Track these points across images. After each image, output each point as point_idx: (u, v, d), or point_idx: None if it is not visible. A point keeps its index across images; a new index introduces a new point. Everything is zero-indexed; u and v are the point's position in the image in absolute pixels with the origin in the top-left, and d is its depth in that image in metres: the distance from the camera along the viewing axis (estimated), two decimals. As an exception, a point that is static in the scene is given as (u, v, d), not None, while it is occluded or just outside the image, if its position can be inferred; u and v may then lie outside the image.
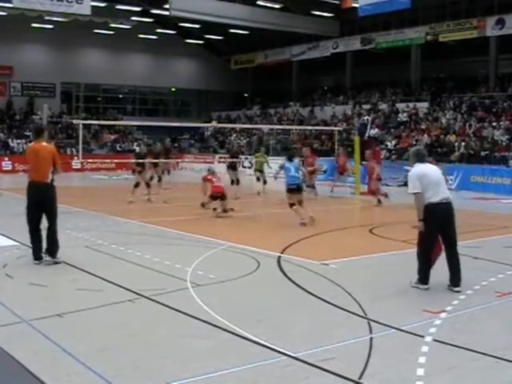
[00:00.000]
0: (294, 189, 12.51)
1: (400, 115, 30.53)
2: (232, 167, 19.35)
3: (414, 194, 7.10)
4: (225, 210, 13.71)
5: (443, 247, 7.27)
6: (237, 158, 20.45)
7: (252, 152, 28.38)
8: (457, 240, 7.24)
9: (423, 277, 7.12)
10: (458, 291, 6.95)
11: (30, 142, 31.99)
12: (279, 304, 6.52)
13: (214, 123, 24.09)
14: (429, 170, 7.26)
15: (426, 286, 7.10)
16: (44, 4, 27.51)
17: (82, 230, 11.16)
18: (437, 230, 7.10)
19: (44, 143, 8.51)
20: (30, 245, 8.42)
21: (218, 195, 13.65)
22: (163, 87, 42.75)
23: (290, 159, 13.06)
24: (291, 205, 12.55)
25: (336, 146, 23.17)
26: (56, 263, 8.19)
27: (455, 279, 7.07)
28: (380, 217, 13.98)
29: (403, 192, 19.00)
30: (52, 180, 8.34)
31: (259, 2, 31.82)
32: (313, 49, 36.55)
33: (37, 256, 8.31)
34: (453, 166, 22.76)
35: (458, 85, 31.31)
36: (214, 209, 13.67)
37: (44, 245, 8.35)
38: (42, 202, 8.28)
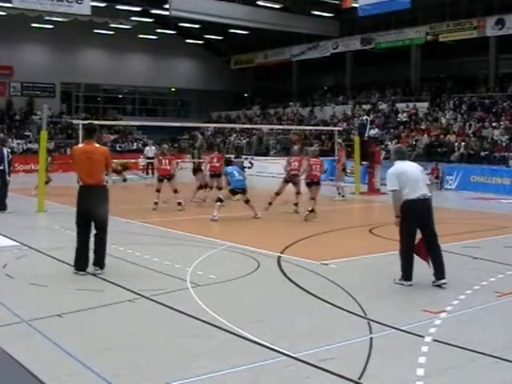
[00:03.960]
0: (238, 191, 13.25)
1: (400, 115, 30.53)
2: (198, 170, 16.97)
3: (392, 191, 7.22)
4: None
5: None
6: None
7: (252, 152, 28.37)
8: (436, 233, 7.27)
9: (406, 274, 7.19)
10: (443, 283, 6.99)
11: (29, 142, 32.26)
12: (279, 304, 6.52)
13: None
14: (408, 167, 7.35)
15: (409, 283, 7.16)
16: (44, 4, 27.48)
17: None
18: (415, 226, 7.18)
19: (96, 144, 7.99)
20: (75, 253, 7.71)
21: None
22: (163, 87, 42.73)
23: (229, 164, 14.05)
24: (219, 199, 13.07)
25: (336, 146, 23.10)
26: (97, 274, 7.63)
27: (439, 272, 7.11)
28: (380, 217, 13.97)
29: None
30: (107, 182, 7.98)
31: (259, 2, 31.81)
32: (313, 49, 36.54)
33: (79, 266, 7.64)
34: (453, 166, 22.78)
35: (458, 85, 31.31)
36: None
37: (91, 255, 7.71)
38: (94, 207, 7.68)
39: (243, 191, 13.34)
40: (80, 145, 8.08)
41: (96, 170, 7.78)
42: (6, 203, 13.80)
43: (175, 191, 14.92)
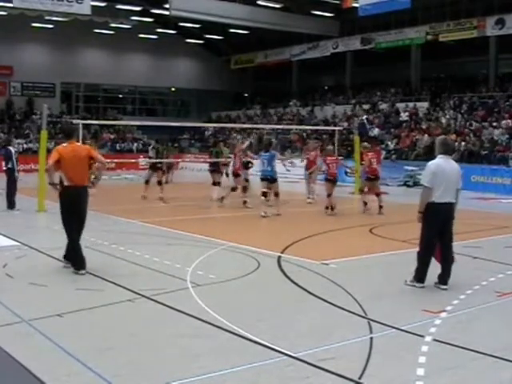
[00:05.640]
0: (264, 179, 13.70)
1: (401, 114, 30.52)
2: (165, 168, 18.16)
3: (424, 186, 7.09)
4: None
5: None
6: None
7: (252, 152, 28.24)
8: (452, 239, 7.24)
9: (420, 275, 7.14)
10: (444, 289, 6.98)
11: (29, 142, 32.24)
12: (279, 304, 6.52)
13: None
14: (448, 167, 7.11)
15: (422, 285, 7.12)
16: (44, 4, 27.49)
17: (82, 230, 11.15)
18: (438, 229, 7.11)
19: (78, 143, 8.02)
20: (72, 255, 7.85)
21: None
22: (163, 87, 42.73)
23: (266, 151, 13.91)
24: (264, 193, 13.52)
25: (336, 145, 22.99)
26: (66, 267, 7.89)
27: (445, 277, 7.08)
28: (380, 217, 13.97)
29: (403, 192, 19.01)
30: (91, 182, 8.05)
31: (259, 2, 31.80)
32: (313, 49, 36.54)
33: (79, 266, 7.70)
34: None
35: (458, 85, 31.31)
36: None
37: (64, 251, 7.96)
38: (76, 206, 7.81)
39: (268, 180, 13.58)
40: (64, 144, 7.96)
41: (82, 169, 7.83)
42: (15, 201, 14.18)
43: (234, 189, 15.79)
